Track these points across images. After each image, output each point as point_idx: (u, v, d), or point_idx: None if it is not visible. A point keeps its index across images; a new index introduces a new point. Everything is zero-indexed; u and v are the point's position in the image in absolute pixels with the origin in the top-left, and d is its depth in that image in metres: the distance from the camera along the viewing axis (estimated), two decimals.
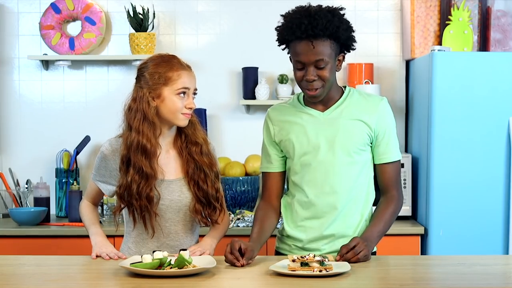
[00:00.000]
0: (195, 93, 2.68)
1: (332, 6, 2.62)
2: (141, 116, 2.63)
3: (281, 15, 2.63)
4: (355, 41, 2.65)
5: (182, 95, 2.62)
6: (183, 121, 2.65)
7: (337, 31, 2.56)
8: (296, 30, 2.55)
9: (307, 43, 2.55)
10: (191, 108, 2.64)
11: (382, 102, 2.70)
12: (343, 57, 2.66)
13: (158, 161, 2.66)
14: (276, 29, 2.64)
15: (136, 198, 2.61)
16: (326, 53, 2.56)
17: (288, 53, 2.65)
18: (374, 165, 2.73)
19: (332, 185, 2.66)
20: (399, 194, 2.72)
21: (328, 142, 2.65)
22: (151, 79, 2.63)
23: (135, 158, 2.62)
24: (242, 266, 2.44)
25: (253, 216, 3.83)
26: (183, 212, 2.70)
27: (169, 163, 2.71)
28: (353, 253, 2.49)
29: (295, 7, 2.62)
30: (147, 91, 2.63)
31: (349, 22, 2.63)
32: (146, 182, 2.61)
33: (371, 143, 2.69)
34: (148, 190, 2.61)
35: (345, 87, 2.74)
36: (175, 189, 2.68)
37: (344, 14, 2.62)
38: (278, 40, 2.64)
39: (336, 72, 2.66)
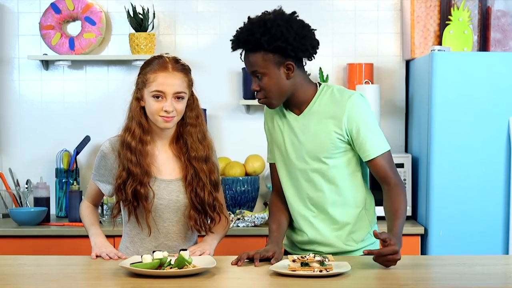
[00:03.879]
0: (178, 97, 2.61)
1: (279, 12, 2.56)
2: (131, 114, 2.67)
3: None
4: (303, 49, 2.54)
5: (157, 97, 2.60)
6: (162, 124, 2.62)
7: (259, 43, 2.51)
8: (233, 41, 2.61)
9: (245, 54, 2.60)
10: (167, 111, 2.59)
11: (351, 99, 2.58)
12: (293, 66, 2.55)
13: (154, 160, 2.67)
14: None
15: (122, 192, 2.63)
16: (258, 64, 2.55)
17: None
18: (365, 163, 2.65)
19: (307, 192, 2.65)
20: (399, 180, 2.61)
21: (299, 150, 2.64)
22: (138, 79, 2.67)
23: (123, 154, 2.64)
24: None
25: (253, 216, 3.84)
26: (181, 213, 2.70)
27: (168, 163, 2.71)
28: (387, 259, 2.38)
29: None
30: (135, 91, 2.67)
31: (286, 30, 2.50)
32: (132, 179, 2.61)
33: (350, 144, 2.61)
34: (136, 186, 2.61)
35: (320, 84, 2.67)
36: (173, 189, 2.68)
37: (281, 22, 2.51)
38: None
39: (290, 80, 2.57)
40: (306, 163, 2.63)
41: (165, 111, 2.59)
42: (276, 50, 2.52)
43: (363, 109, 2.60)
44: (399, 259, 2.40)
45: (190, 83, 2.67)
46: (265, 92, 2.58)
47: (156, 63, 2.63)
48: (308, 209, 2.66)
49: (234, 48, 2.61)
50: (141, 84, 2.64)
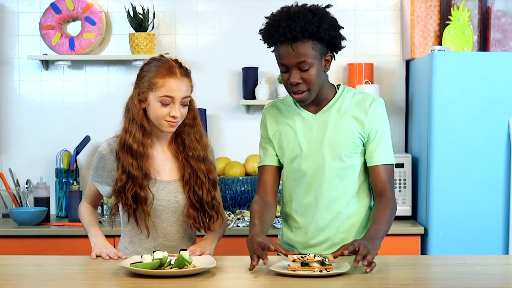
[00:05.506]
0: (184, 102, 2.61)
1: (316, 5, 2.54)
2: (131, 116, 2.65)
3: (265, 17, 2.57)
4: (342, 39, 2.56)
5: (165, 102, 2.58)
6: (167, 128, 2.62)
7: (317, 31, 2.47)
8: (275, 33, 2.50)
9: (287, 46, 2.49)
10: (174, 117, 2.59)
11: (376, 102, 2.61)
12: (331, 57, 2.57)
13: (153, 162, 2.66)
14: (259, 32, 2.58)
15: (122, 196, 2.62)
16: (308, 54, 2.48)
17: None
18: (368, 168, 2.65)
19: (322, 191, 2.61)
20: (394, 196, 2.62)
21: (317, 147, 2.60)
22: (141, 81, 2.64)
23: (123, 157, 2.63)
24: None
25: None
26: (180, 213, 2.70)
27: (166, 164, 2.70)
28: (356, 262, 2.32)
29: (280, 8, 2.55)
30: (137, 93, 2.64)
31: (334, 20, 2.53)
32: (132, 182, 2.61)
33: (363, 145, 2.62)
34: (137, 189, 2.61)
35: (339, 85, 2.67)
36: (172, 190, 2.68)
37: (328, 12, 2.53)
38: (264, 42, 2.59)
39: (327, 72, 2.59)
40: (324, 161, 2.59)
41: (172, 116, 2.59)
42: (328, 39, 2.51)
43: (384, 115, 2.63)
44: (367, 255, 2.32)
45: (192, 87, 2.67)
46: (308, 84, 2.52)
47: (162, 67, 2.60)
48: (317, 209, 2.62)
49: (276, 39, 2.50)
50: (146, 87, 2.60)
